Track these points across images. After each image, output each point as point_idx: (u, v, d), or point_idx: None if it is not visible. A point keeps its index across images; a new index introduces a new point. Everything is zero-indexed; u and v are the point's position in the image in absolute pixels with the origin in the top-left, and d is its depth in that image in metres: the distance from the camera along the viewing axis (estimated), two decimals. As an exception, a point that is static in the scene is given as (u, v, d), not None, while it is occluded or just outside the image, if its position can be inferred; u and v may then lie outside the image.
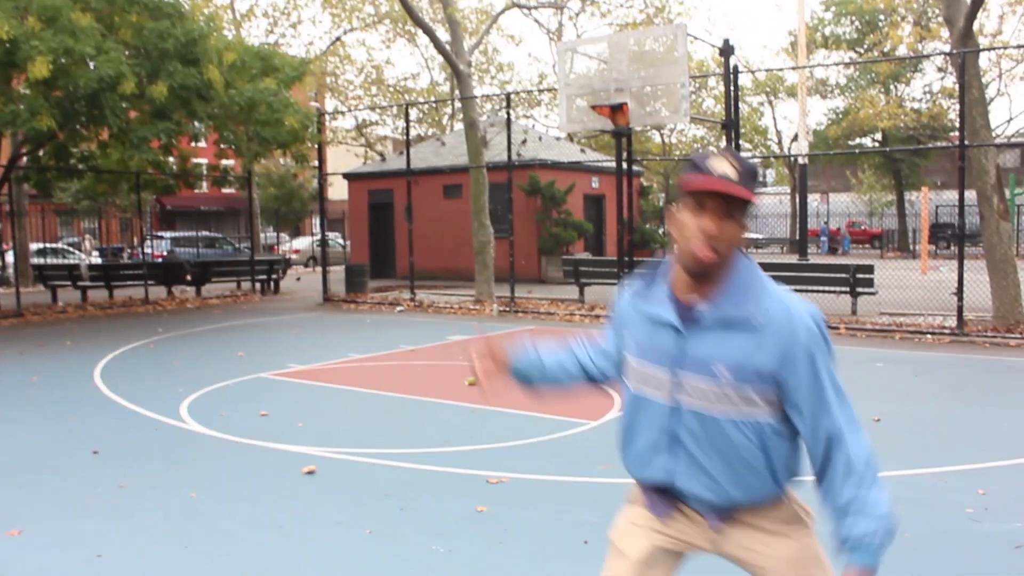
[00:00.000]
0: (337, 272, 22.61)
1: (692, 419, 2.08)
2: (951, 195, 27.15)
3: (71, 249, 32.50)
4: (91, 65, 13.07)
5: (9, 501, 5.14)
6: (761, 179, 2.08)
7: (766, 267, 15.43)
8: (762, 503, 2.13)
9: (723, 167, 1.98)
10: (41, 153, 17.46)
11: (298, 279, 26.17)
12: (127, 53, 13.83)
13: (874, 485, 1.99)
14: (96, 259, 32.37)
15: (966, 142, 11.81)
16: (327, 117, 25.87)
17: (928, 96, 37.86)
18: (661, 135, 45.63)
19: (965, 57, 11.67)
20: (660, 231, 29.60)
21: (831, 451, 2.03)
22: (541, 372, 2.43)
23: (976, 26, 13.07)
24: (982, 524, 4.50)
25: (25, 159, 17.50)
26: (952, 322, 12.09)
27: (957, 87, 12.41)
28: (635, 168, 24.20)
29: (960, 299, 11.72)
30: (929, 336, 11.70)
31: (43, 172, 18.02)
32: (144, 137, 14.16)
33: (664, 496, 2.19)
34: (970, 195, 12.28)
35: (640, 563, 2.21)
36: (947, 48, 25.83)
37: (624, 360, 2.27)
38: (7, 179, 17.20)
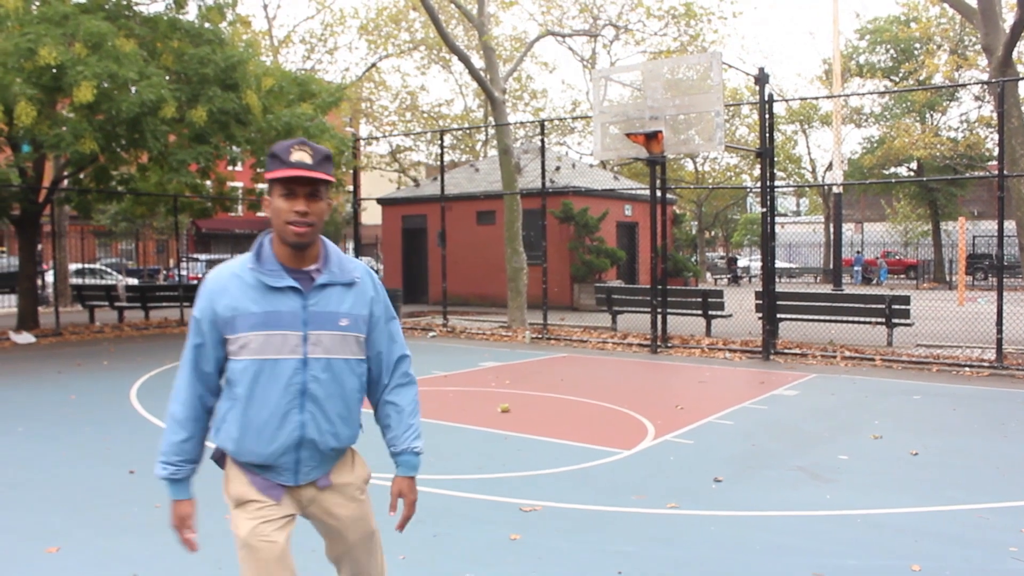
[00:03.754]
0: (369, 296, 22.69)
1: (319, 367, 2.48)
2: (988, 225, 26.82)
3: (108, 270, 32.96)
4: (133, 90, 13.33)
5: (47, 519, 5.21)
6: (331, 161, 3.37)
7: (800, 296, 14.89)
8: (348, 447, 2.67)
9: (300, 156, 2.35)
10: (82, 175, 17.79)
11: None
12: (168, 78, 14.09)
13: (418, 413, 2.80)
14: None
15: (1005, 171, 11.69)
16: (362, 142, 26.06)
17: (965, 125, 37.50)
18: (695, 163, 45.59)
19: (1004, 86, 11.58)
20: (693, 259, 29.45)
21: (403, 369, 2.80)
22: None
23: (1015, 54, 12.97)
24: (1025, 562, 4.40)
25: (67, 181, 17.84)
26: (991, 355, 11.91)
27: (996, 116, 12.30)
28: (668, 196, 24.16)
29: (999, 331, 11.54)
30: (967, 369, 11.51)
31: (84, 194, 18.38)
32: (183, 160, 14.37)
33: (273, 477, 2.56)
34: (1009, 225, 12.14)
35: (285, 552, 2.50)
36: (984, 76, 25.63)
37: (227, 341, 2.47)
38: (49, 200, 17.55)
